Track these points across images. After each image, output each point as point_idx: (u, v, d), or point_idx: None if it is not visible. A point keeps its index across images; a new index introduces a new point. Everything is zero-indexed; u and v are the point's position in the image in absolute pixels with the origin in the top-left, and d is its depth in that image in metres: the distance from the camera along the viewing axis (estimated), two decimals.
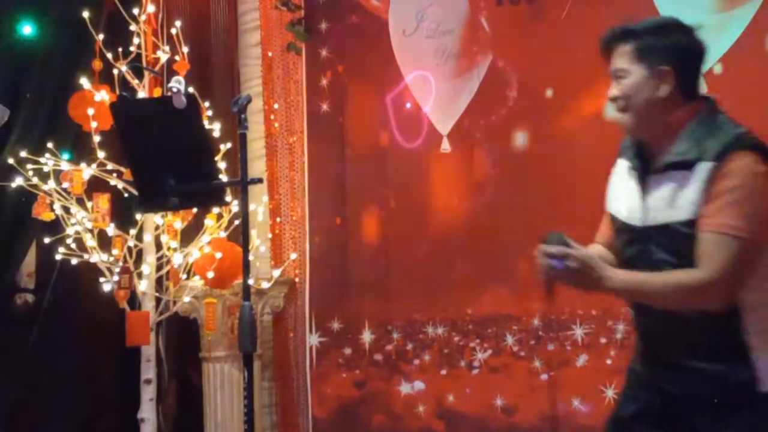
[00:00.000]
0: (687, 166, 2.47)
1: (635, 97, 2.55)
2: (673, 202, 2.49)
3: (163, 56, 5.09)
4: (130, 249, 5.04)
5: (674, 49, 2.54)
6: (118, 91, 4.94)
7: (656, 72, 2.53)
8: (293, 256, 5.60)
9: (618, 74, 2.58)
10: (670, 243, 2.50)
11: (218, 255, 4.88)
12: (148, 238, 5.13)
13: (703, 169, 2.44)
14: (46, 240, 5.09)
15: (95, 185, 5.08)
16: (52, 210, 4.99)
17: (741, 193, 2.40)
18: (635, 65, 2.55)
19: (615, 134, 4.98)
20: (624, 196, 2.67)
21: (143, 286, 5.09)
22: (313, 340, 5.59)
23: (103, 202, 4.95)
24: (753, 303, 2.46)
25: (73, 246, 4.98)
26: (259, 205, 5.33)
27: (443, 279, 5.23)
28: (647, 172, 2.60)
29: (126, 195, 5.11)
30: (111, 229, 4.96)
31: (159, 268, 5.19)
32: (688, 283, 2.42)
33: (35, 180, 4.98)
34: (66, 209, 4.99)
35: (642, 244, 2.58)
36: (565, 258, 2.44)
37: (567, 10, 5.00)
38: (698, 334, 2.49)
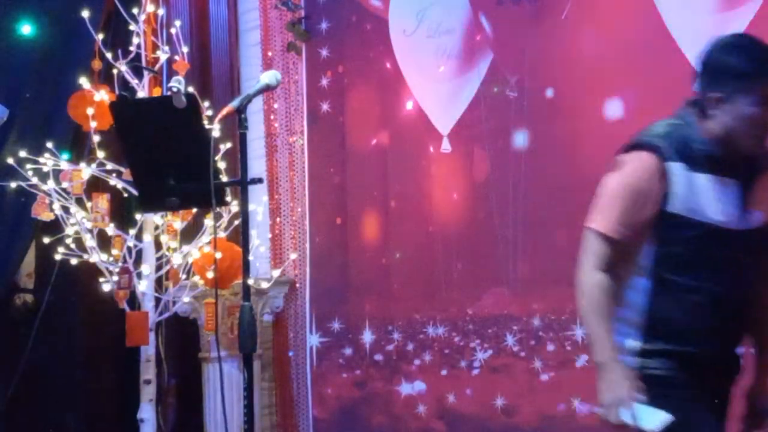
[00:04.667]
0: None
1: None
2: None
3: (162, 56, 5.09)
4: (129, 249, 5.04)
5: None
6: (117, 91, 4.93)
7: None
8: (293, 256, 5.60)
9: None
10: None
11: (218, 255, 4.88)
12: (147, 238, 5.12)
13: None
14: (46, 240, 5.09)
15: (95, 185, 5.07)
16: (52, 210, 4.98)
17: None
18: None
19: (615, 134, 4.99)
20: (718, 200, 2.68)
21: (143, 286, 5.08)
22: (313, 340, 5.58)
23: (102, 202, 4.95)
24: None
25: (73, 246, 4.98)
26: (259, 205, 5.33)
27: (443, 279, 5.23)
28: (744, 176, 2.69)
29: (126, 195, 5.10)
30: (110, 229, 4.96)
31: (159, 268, 5.18)
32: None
33: (35, 180, 4.98)
34: (65, 209, 4.99)
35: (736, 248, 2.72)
36: None
37: (567, 10, 4.99)
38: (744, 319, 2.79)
